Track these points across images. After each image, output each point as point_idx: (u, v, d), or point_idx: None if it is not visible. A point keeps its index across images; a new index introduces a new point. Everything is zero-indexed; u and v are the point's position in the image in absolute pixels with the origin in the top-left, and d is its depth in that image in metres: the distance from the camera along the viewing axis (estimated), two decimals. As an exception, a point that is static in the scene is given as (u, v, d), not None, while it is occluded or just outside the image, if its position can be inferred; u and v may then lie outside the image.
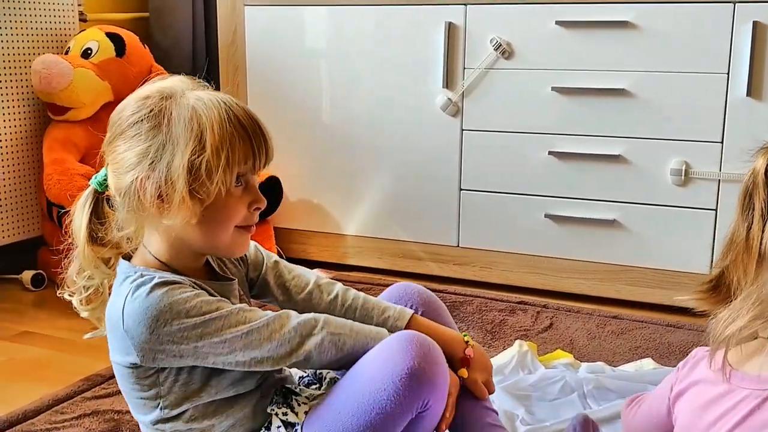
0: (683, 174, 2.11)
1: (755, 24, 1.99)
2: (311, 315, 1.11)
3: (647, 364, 1.77)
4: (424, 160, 2.40)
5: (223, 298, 1.09)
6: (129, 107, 1.07)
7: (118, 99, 2.47)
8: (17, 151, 2.41)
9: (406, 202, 2.44)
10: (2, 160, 2.37)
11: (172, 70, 2.72)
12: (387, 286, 2.24)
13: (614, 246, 2.22)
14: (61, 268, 1.15)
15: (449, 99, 2.32)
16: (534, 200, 2.29)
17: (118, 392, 1.60)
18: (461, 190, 2.37)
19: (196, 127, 1.03)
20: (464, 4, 2.27)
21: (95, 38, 2.46)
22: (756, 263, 0.94)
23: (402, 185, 2.44)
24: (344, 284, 1.29)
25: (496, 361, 1.75)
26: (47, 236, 2.46)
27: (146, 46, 2.61)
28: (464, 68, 2.30)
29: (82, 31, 2.53)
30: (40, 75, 2.30)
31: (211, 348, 1.04)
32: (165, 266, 1.10)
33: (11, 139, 2.39)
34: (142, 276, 1.06)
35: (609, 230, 2.22)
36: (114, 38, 2.48)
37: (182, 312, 1.02)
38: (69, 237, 1.14)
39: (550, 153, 2.24)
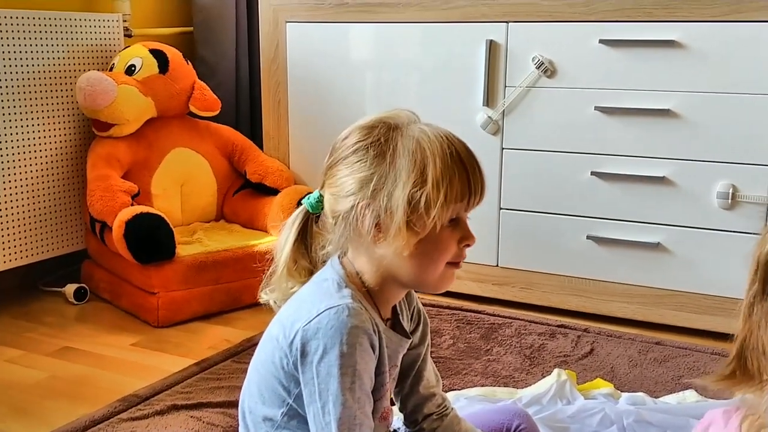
0: (730, 197, 2.05)
1: (808, 44, 1.94)
2: None
3: (690, 396, 1.72)
4: (464, 178, 2.37)
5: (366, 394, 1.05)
6: (354, 135, 1.10)
7: (161, 115, 2.52)
8: (62, 166, 2.45)
9: (446, 220, 2.42)
10: (48, 175, 2.40)
11: (216, 85, 2.77)
12: (425, 304, 2.24)
13: (658, 269, 2.17)
14: (263, 275, 1.17)
15: (489, 117, 2.30)
16: (576, 221, 2.25)
17: (154, 414, 1.62)
18: (501, 209, 2.34)
19: (420, 159, 1.04)
20: (506, 22, 2.25)
21: (139, 55, 2.49)
22: None
23: (442, 203, 2.42)
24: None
25: (534, 390, 1.73)
26: (91, 250, 2.49)
27: (189, 61, 2.62)
28: (505, 86, 2.28)
29: (127, 47, 2.56)
30: (85, 92, 2.33)
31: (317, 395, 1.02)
32: (364, 288, 1.10)
33: (57, 154, 2.43)
34: (342, 290, 1.06)
35: (653, 253, 2.17)
36: (157, 55, 2.51)
37: (347, 361, 1.01)
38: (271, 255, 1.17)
39: (592, 173, 2.20)
